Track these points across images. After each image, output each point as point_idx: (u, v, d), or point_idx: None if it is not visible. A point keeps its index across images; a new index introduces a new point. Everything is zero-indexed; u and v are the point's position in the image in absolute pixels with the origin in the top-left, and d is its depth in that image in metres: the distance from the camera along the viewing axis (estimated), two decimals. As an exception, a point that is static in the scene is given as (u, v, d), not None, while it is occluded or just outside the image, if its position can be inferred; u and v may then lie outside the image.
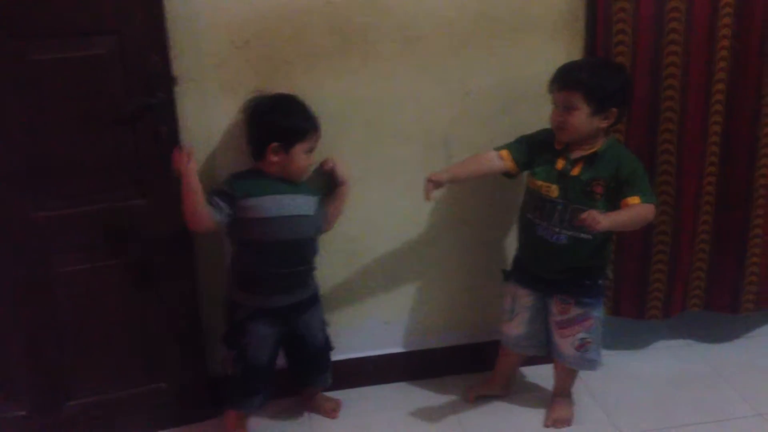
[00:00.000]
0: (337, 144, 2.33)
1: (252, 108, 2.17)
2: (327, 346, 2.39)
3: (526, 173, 2.32)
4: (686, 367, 2.73)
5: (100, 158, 2.11)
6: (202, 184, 2.11)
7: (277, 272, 2.19)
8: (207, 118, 2.23)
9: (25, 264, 2.15)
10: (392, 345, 2.62)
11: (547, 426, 2.40)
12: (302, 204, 2.19)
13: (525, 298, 2.38)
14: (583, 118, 2.13)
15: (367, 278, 2.50)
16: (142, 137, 2.11)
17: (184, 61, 2.14)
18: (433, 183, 2.18)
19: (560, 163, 2.21)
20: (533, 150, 2.27)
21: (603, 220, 2.06)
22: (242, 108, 2.20)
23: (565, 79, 2.16)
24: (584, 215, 2.07)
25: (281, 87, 2.22)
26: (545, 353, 2.44)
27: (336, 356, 2.46)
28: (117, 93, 2.06)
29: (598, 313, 2.33)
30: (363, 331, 2.57)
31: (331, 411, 2.47)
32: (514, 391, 2.57)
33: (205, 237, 2.30)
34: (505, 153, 2.28)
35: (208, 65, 2.18)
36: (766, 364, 2.75)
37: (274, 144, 2.11)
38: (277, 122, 2.13)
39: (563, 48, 2.39)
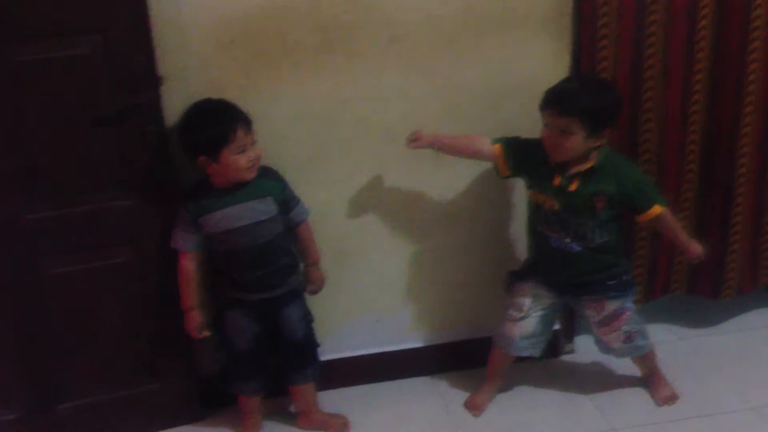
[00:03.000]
0: (324, 143, 2.34)
1: (176, 128, 2.16)
2: (308, 341, 2.35)
3: (527, 186, 2.33)
4: (673, 357, 2.69)
5: (87, 159, 2.11)
6: (190, 180, 2.16)
7: (250, 275, 2.21)
8: (194, 117, 2.23)
9: (14, 266, 2.16)
10: (383, 343, 2.61)
11: None
12: (253, 210, 2.17)
13: (545, 299, 2.39)
14: (578, 141, 2.14)
15: (357, 276, 2.50)
16: (129, 137, 2.12)
17: (169, 60, 2.14)
18: (416, 142, 2.25)
19: (557, 179, 2.22)
20: (528, 160, 2.27)
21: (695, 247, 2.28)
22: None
23: (565, 106, 2.13)
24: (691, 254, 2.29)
25: (267, 86, 2.24)
26: (540, 354, 2.46)
27: (327, 355, 2.46)
28: (102, 93, 2.06)
29: (631, 303, 2.38)
30: (353, 329, 2.56)
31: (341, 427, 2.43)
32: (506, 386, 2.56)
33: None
34: (498, 148, 2.28)
35: (194, 64, 2.18)
36: (752, 351, 2.74)
37: (201, 158, 2.11)
38: (192, 138, 2.11)
39: (550, 43, 2.39)
